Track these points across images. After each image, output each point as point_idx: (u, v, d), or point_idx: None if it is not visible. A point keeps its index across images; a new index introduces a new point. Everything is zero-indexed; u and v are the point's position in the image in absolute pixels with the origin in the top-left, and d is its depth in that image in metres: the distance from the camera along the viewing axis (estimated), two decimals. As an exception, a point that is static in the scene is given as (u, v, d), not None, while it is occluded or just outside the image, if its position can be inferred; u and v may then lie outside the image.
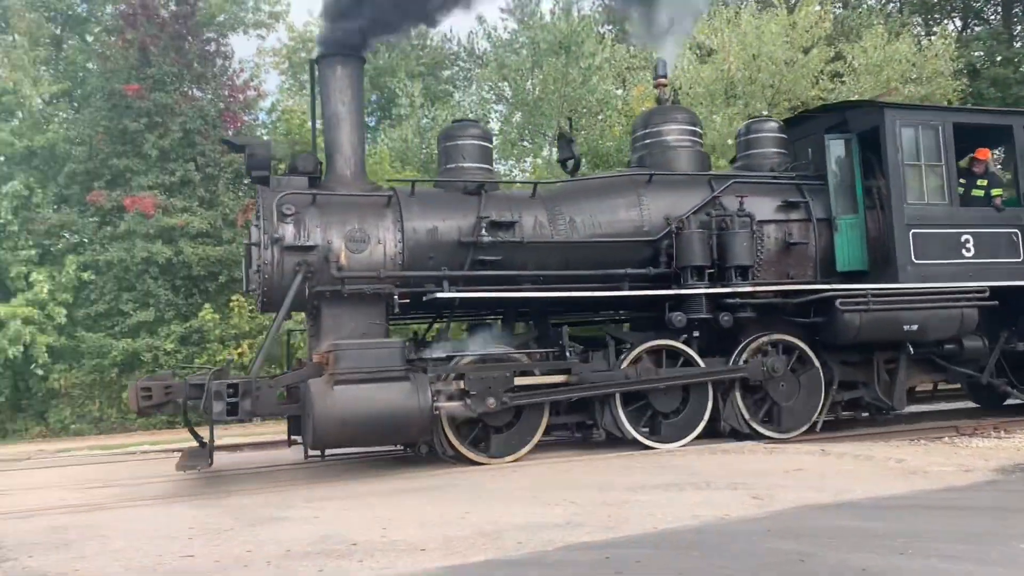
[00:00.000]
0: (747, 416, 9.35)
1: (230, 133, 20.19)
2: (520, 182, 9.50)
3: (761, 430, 9.39)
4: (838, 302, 9.35)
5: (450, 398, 8.35)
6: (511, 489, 6.94)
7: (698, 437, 9.19)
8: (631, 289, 9.31)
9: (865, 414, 10.29)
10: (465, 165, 9.66)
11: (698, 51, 19.67)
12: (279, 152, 14.21)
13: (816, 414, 9.59)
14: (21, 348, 18.78)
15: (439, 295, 8.66)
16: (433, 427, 8.32)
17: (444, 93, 26.51)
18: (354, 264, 8.76)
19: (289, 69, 29.23)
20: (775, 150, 10.60)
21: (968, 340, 9.98)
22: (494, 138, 14.70)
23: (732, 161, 11.53)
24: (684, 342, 9.33)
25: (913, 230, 9.73)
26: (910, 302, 9.48)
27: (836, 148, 10.16)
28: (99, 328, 18.74)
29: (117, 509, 7.16)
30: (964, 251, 9.89)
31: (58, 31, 23.02)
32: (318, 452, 8.72)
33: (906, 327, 9.50)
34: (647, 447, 8.99)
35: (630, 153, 11.12)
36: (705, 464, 7.91)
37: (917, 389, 11.76)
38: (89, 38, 23.17)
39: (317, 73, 9.62)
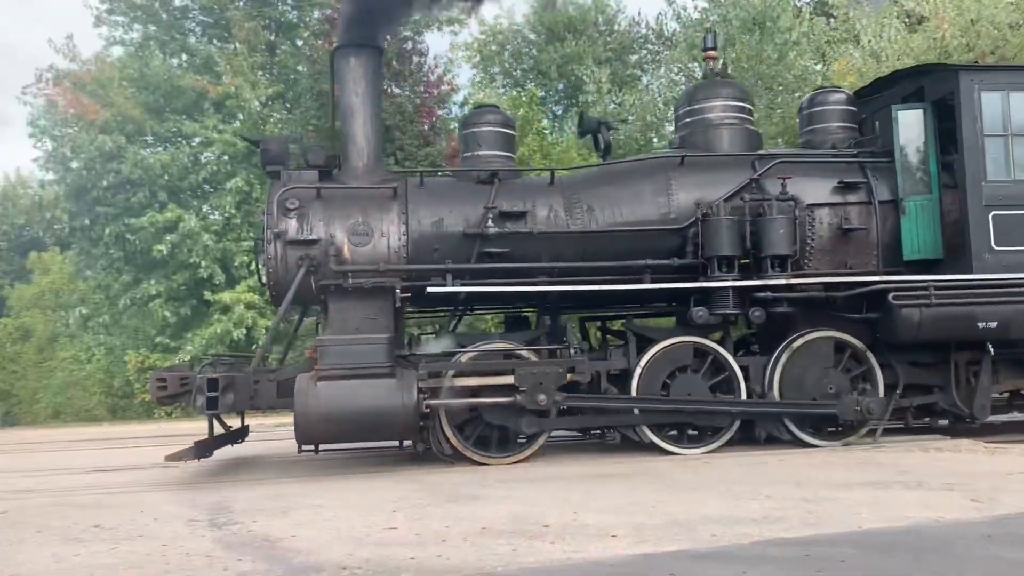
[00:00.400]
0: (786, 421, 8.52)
1: (426, 128, 21.04)
2: (539, 170, 8.92)
3: (804, 437, 8.52)
4: (891, 296, 8.26)
5: (449, 395, 8.03)
6: (703, 482, 6.79)
7: (728, 443, 8.48)
8: (654, 282, 8.48)
9: (944, 422, 9.11)
10: (481, 153, 9.21)
11: (907, 19, 18.26)
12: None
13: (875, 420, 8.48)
14: (244, 330, 20.65)
15: (435, 290, 8.32)
16: (431, 424, 8.14)
17: (632, 78, 26.25)
18: (357, 257, 8.60)
19: (480, 63, 30.04)
20: (841, 124, 9.46)
21: None
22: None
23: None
24: (722, 338, 8.68)
25: (994, 212, 8.43)
26: (987, 296, 8.21)
27: (906, 120, 8.91)
28: (313, 312, 20.11)
29: (326, 480, 7.76)
30: None
31: (272, 37, 24.90)
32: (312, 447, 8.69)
33: (982, 325, 8.20)
34: (668, 452, 8.37)
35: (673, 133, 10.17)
36: (914, 462, 7.37)
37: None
38: (299, 43, 24.90)
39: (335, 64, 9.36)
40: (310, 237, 8.61)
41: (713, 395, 8.54)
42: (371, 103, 9.25)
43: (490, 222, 8.62)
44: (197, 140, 23.34)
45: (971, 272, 8.33)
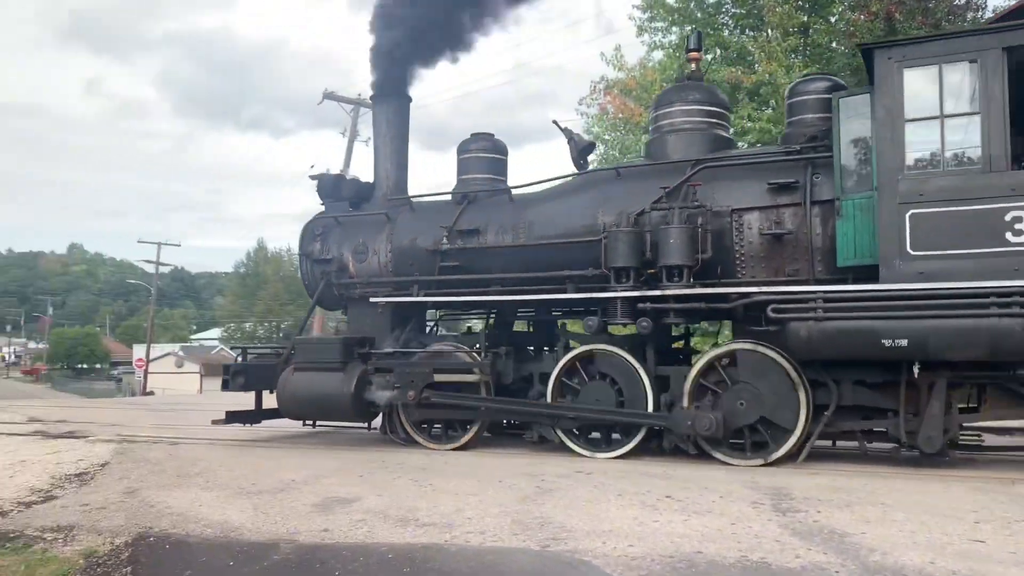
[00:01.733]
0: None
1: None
2: (515, 187, 9.86)
3: (718, 455, 8.07)
4: (770, 309, 7.61)
5: (384, 387, 9.45)
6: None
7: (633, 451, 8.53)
8: (578, 292, 8.91)
9: (905, 451, 7.77)
10: (470, 176, 10.30)
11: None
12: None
13: (793, 442, 7.79)
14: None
15: (376, 300, 10.04)
16: (388, 412, 9.75)
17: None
18: (359, 272, 10.53)
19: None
20: (820, 115, 8.47)
21: None
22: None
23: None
24: (640, 344, 8.64)
25: (912, 210, 7.22)
26: (895, 309, 7.09)
27: (847, 108, 7.80)
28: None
29: (894, 478, 7.23)
30: (1009, 235, 6.92)
31: (805, 18, 24.65)
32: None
33: (888, 343, 7.05)
34: (579, 454, 8.69)
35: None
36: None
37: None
38: (832, 19, 23.77)
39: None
40: (327, 256, 10.78)
41: (620, 398, 8.66)
42: (393, 143, 11.05)
43: (445, 240, 9.83)
44: (731, 131, 23.23)
45: (882, 281, 7.33)
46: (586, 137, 10.37)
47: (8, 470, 8.40)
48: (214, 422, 10.53)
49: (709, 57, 23.75)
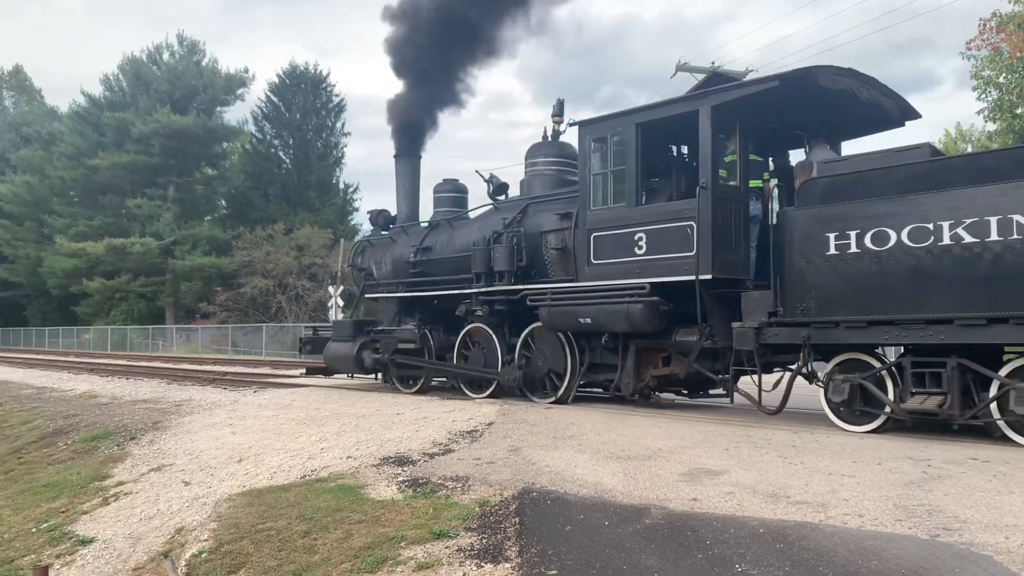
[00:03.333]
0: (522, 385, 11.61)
1: None
2: (458, 217, 13.91)
3: (532, 397, 11.60)
4: (528, 299, 11.09)
5: (374, 351, 14.12)
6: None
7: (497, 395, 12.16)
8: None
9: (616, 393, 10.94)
10: (438, 209, 14.25)
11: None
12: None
13: (563, 388, 11.18)
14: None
15: (379, 296, 14.89)
16: (382, 367, 14.32)
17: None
18: (379, 277, 14.74)
19: None
20: None
21: (680, 335, 9.83)
22: None
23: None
24: (500, 323, 12.17)
25: (594, 233, 10.39)
26: (585, 298, 10.31)
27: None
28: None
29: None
30: (636, 249, 9.93)
31: None
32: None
33: (582, 320, 10.35)
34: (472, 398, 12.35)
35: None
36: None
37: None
38: None
39: None
40: (363, 267, 15.32)
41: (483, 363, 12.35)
42: (407, 187, 15.12)
43: (411, 254, 13.68)
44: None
45: (580, 280, 10.58)
46: (501, 179, 13.33)
47: (415, 424, 9.69)
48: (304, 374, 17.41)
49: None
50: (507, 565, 5.11)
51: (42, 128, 58.89)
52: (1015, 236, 7.22)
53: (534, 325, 11.45)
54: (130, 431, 11.99)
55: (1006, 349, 7.81)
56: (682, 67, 31.26)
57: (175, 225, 47.91)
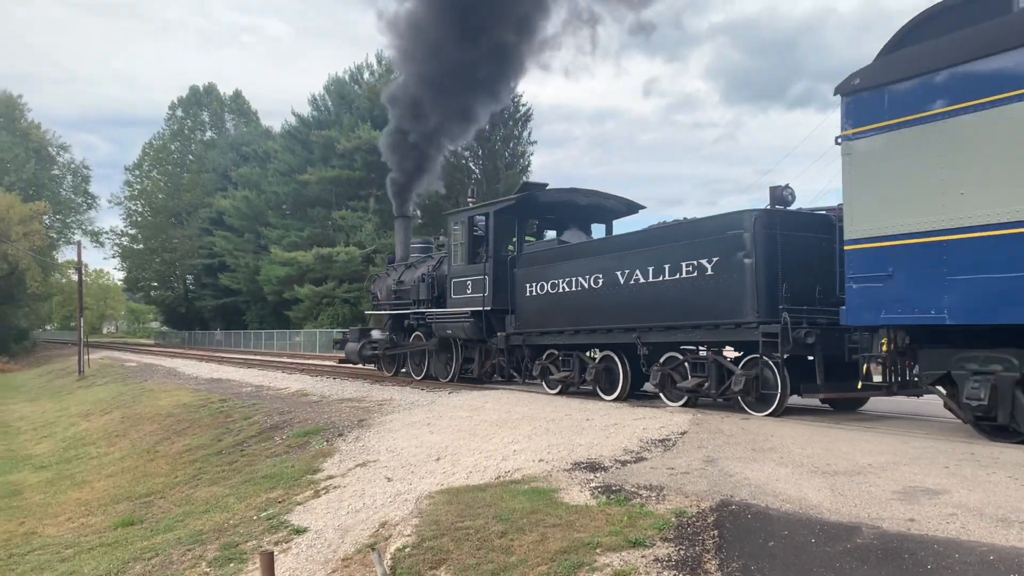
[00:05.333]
0: (442, 369, 18.38)
1: None
2: (422, 255, 20.31)
3: (440, 379, 18.35)
4: (426, 317, 18.34)
5: (382, 345, 20.47)
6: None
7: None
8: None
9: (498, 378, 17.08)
10: (413, 254, 20.61)
11: None
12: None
13: (449, 376, 17.98)
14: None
15: (372, 313, 22.63)
16: (375, 360, 21.14)
17: None
18: (381, 300, 20.94)
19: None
20: None
21: (492, 341, 16.33)
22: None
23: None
24: (426, 332, 18.71)
25: (452, 279, 17.16)
26: (448, 318, 17.23)
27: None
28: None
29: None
30: (466, 290, 16.63)
31: None
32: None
33: (448, 330, 17.38)
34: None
35: None
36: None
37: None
38: None
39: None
40: (372, 292, 21.91)
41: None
42: (403, 238, 21.41)
43: (393, 285, 20.00)
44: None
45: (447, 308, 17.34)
46: (442, 239, 20.02)
47: (604, 431, 9.65)
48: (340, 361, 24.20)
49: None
50: (707, 579, 4.96)
51: (258, 147, 64.22)
52: (592, 287, 13.34)
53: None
54: (337, 428, 12.76)
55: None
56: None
57: (376, 235, 50.65)
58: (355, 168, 51.57)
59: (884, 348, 8.92)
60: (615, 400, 12.91)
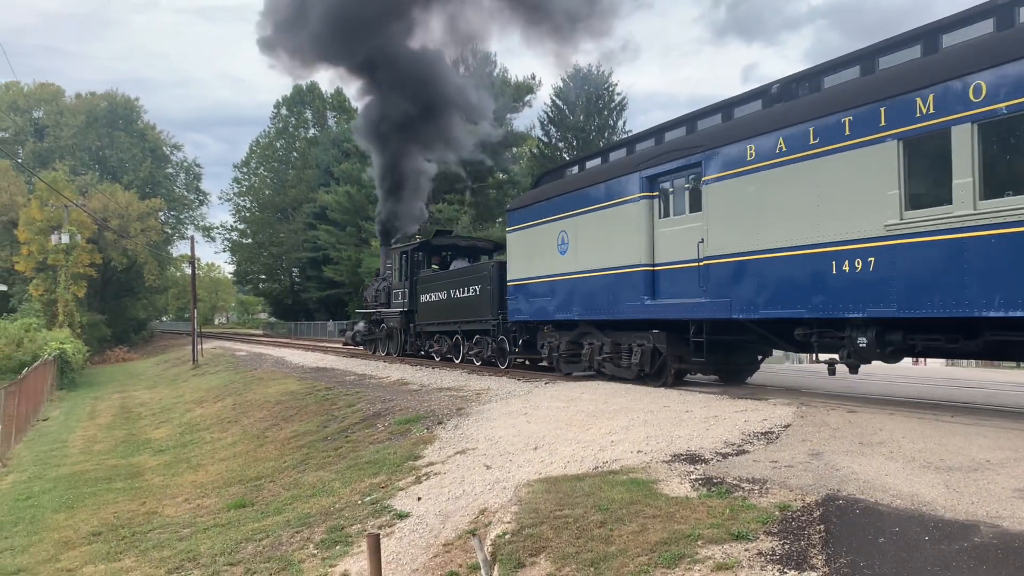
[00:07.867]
0: (394, 348, 27.48)
1: None
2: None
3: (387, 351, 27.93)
4: (380, 314, 28.02)
5: (362, 333, 30.30)
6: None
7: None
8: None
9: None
10: (386, 268, 28.13)
11: None
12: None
13: (396, 352, 26.71)
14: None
15: (359, 311, 31.60)
16: (372, 342, 29.46)
17: None
18: (369, 302, 29.31)
19: None
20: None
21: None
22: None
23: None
24: (407, 321, 25.92)
25: (391, 291, 26.68)
26: (389, 315, 27.10)
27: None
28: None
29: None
30: (400, 297, 25.82)
31: None
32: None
33: (390, 324, 26.99)
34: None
35: None
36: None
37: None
38: None
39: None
40: (364, 296, 30.72)
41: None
42: (385, 258, 28.97)
43: (374, 292, 28.53)
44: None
45: (390, 308, 27.44)
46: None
47: (704, 423, 9.50)
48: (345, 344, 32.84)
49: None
50: (813, 574, 4.84)
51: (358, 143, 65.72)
52: (444, 298, 22.89)
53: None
54: (437, 416, 13.00)
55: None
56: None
57: (472, 227, 51.19)
58: (451, 162, 52.22)
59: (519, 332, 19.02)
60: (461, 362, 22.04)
